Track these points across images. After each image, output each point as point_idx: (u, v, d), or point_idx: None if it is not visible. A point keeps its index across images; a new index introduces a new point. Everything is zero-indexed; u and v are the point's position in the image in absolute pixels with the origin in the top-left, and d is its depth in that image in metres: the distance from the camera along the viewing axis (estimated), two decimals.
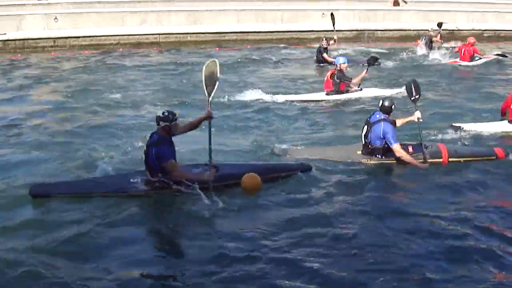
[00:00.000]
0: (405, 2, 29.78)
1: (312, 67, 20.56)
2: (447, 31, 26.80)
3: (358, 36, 27.19)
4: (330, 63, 19.85)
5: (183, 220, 7.70)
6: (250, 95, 15.07)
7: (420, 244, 6.91)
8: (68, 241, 6.90)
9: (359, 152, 9.87)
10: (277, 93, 15.24)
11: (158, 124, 8.12)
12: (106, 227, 7.31)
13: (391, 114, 9.72)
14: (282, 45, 25.62)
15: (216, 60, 8.85)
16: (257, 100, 14.62)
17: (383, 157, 9.62)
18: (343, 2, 29.68)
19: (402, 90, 14.38)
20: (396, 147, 9.34)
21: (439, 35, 23.24)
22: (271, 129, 12.17)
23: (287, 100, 14.71)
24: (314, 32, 26.58)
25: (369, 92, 15.04)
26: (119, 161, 9.77)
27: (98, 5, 25.78)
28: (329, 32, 22.46)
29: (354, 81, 14.90)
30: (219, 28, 26.59)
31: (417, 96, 10.08)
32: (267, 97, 14.76)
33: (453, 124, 11.93)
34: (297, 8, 28.77)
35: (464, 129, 11.66)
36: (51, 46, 23.40)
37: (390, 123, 9.53)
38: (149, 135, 8.34)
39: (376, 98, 11.27)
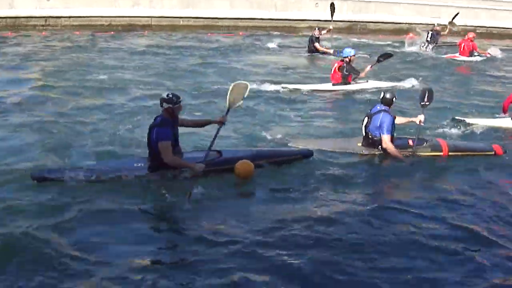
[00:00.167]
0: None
1: (303, 56, 20.65)
2: (441, 25, 26.93)
3: (350, 27, 27.25)
4: (322, 53, 20.07)
5: (172, 209, 7.71)
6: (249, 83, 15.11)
7: (414, 240, 6.96)
8: (68, 227, 6.90)
9: (360, 144, 9.97)
10: (270, 81, 15.27)
11: (162, 106, 8.16)
12: (91, 212, 7.33)
13: (392, 106, 9.82)
14: (275, 33, 25.69)
15: (248, 84, 9.04)
16: (258, 89, 14.54)
17: (381, 148, 9.68)
18: None
19: (405, 84, 15.30)
20: (385, 138, 9.43)
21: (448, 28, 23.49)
22: (273, 119, 12.20)
23: (293, 89, 14.80)
24: (307, 21, 26.66)
25: (374, 84, 15.22)
26: (107, 144, 9.81)
27: None
28: (325, 22, 22.63)
29: (362, 74, 15.08)
30: (212, 13, 26.48)
31: (427, 103, 10.12)
32: (268, 86, 14.79)
33: (456, 117, 12.15)
34: None
35: (466, 123, 11.86)
36: (42, 25, 23.28)
37: (390, 115, 9.62)
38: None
39: (381, 90, 11.29)
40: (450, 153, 9.86)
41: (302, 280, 5.99)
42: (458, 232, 7.19)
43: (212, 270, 6.04)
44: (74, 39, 21.64)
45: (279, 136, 10.47)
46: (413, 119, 10.03)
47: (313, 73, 17.76)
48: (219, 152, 8.69)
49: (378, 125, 9.54)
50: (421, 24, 28.01)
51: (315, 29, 20.62)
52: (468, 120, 12.05)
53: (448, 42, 23.59)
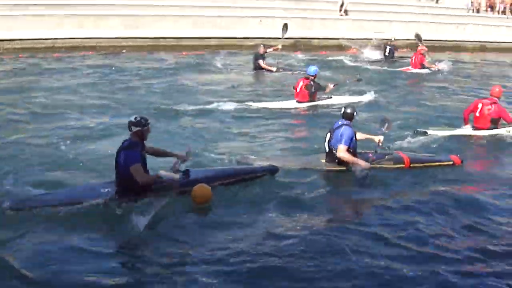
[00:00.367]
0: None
1: (249, 74, 20.84)
2: (384, 40, 27.68)
3: (294, 44, 27.64)
4: (267, 70, 20.31)
5: (152, 228, 7.65)
6: (202, 101, 15.29)
7: (376, 249, 7.24)
8: (38, 256, 6.86)
9: (323, 160, 10.10)
10: (229, 100, 15.45)
11: (130, 130, 8.15)
12: (68, 238, 7.30)
13: (353, 120, 10.03)
14: (219, 51, 25.73)
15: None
16: (217, 108, 14.73)
17: (345, 163, 9.79)
18: (280, 11, 30.25)
19: (365, 98, 15.85)
20: (341, 147, 9.58)
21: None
22: (235, 137, 12.34)
23: (256, 107, 14.97)
24: (251, 39, 26.91)
25: (338, 100, 15.48)
26: (60, 170, 9.76)
27: (33, 8, 25.36)
28: (269, 40, 23.02)
29: (326, 90, 15.39)
30: (156, 33, 26.64)
31: (386, 131, 10.36)
32: (228, 105, 14.90)
33: (418, 130, 12.61)
34: (234, 15, 29.11)
35: (428, 135, 12.35)
36: None
37: (351, 128, 9.81)
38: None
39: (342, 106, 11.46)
40: (411, 165, 10.22)
41: None
42: (423, 240, 7.57)
43: None
44: (17, 62, 21.36)
45: (243, 154, 10.53)
46: (373, 137, 10.27)
47: (260, 90, 18.11)
48: (185, 172, 8.69)
49: (339, 138, 9.71)
50: (364, 39, 28.73)
51: (260, 46, 20.82)
52: (429, 131, 12.54)
53: (403, 56, 24.43)
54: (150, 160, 8.58)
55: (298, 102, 15.29)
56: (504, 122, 12.75)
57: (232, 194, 8.76)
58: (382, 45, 25.30)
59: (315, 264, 6.80)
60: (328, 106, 15.23)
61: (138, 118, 8.21)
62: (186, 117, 13.82)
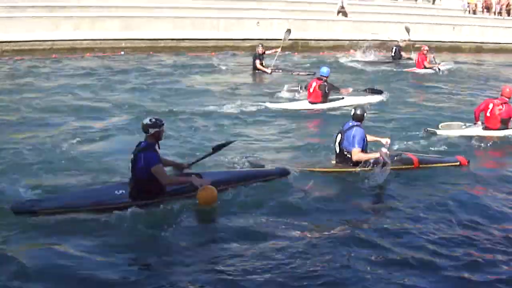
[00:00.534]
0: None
1: (249, 74, 20.98)
2: (380, 41, 27.86)
3: (292, 45, 27.73)
4: (262, 71, 20.46)
5: (166, 231, 7.65)
6: (207, 102, 15.43)
7: (394, 253, 7.25)
8: (55, 258, 6.86)
9: (334, 162, 10.17)
10: (230, 100, 15.60)
11: (147, 132, 8.11)
12: (87, 241, 7.30)
13: (363, 121, 10.07)
14: (218, 52, 26.02)
15: None
16: (220, 108, 14.87)
17: (356, 164, 9.78)
18: (278, 12, 30.44)
19: (376, 98, 15.94)
20: (355, 150, 9.65)
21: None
22: (248, 138, 12.37)
23: (266, 108, 15.03)
24: (249, 40, 27.16)
25: (349, 100, 15.51)
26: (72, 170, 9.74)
27: (31, 10, 25.45)
28: (266, 41, 23.24)
29: (342, 90, 15.59)
30: (154, 34, 26.75)
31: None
32: (236, 106, 15.05)
33: (428, 129, 12.76)
34: (233, 16, 29.27)
35: (437, 134, 12.53)
36: None
37: (362, 129, 9.87)
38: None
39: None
40: (420, 166, 10.31)
41: None
42: (426, 244, 7.59)
43: None
44: (15, 64, 21.39)
45: (255, 155, 10.63)
46: (380, 139, 10.30)
47: (261, 89, 18.30)
48: (198, 174, 8.63)
49: (351, 140, 9.74)
50: (360, 40, 28.91)
51: (258, 46, 20.94)
52: (439, 131, 12.69)
53: (411, 58, 24.70)
54: None
55: (311, 103, 15.38)
56: None
57: (240, 196, 8.75)
58: (392, 47, 25.47)
59: (323, 268, 6.80)
60: (340, 107, 15.32)
61: (154, 120, 8.19)
62: (195, 118, 13.87)
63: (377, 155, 9.57)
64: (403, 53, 24.98)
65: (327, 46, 29.23)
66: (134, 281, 6.51)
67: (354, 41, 29.52)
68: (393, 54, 25.16)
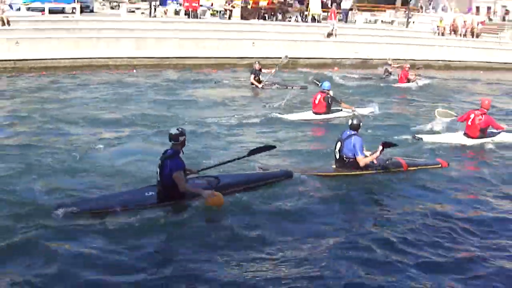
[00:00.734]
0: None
1: (246, 88, 21.08)
2: (361, 59, 28.32)
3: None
4: (255, 86, 20.72)
5: (186, 229, 7.84)
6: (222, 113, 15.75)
7: (391, 251, 7.40)
8: (94, 257, 6.97)
9: (334, 166, 10.39)
10: (234, 111, 15.98)
11: (177, 140, 8.20)
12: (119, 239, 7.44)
13: (359, 130, 10.32)
14: (218, 69, 26.24)
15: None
16: (231, 118, 15.10)
17: (354, 169, 10.09)
18: (272, 34, 30.82)
19: (369, 110, 16.39)
20: (360, 158, 9.95)
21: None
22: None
23: (275, 118, 15.26)
24: (245, 59, 27.45)
25: (346, 112, 15.74)
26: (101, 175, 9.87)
27: (54, 32, 25.89)
28: (262, 59, 23.60)
29: (343, 105, 15.77)
30: (162, 53, 27.07)
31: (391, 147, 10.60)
32: (243, 116, 15.37)
33: (416, 136, 13.21)
34: (231, 37, 29.59)
35: (423, 140, 12.94)
36: (12, 68, 23.30)
37: (360, 137, 10.13)
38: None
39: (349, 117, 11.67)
40: (408, 168, 10.67)
41: None
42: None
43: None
44: (40, 79, 21.59)
45: (264, 161, 10.72)
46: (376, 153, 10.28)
47: (259, 101, 18.64)
48: (216, 177, 9.01)
49: (351, 147, 9.98)
50: (343, 58, 29.43)
51: (255, 63, 21.20)
52: (424, 137, 13.17)
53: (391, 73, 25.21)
54: None
55: (315, 113, 15.64)
56: (491, 131, 13.28)
57: (247, 197, 8.91)
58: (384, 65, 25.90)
59: (324, 269, 6.83)
60: (340, 117, 15.53)
61: (180, 129, 8.31)
62: (201, 127, 13.95)
63: (377, 154, 10.00)
64: (392, 71, 25.17)
65: (314, 64, 29.44)
66: (154, 268, 6.77)
67: (337, 59, 30.10)
68: (384, 73, 25.32)
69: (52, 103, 16.82)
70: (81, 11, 30.32)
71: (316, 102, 15.64)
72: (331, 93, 15.92)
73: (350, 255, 7.21)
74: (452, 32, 36.50)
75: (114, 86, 20.61)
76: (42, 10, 29.08)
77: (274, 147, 10.15)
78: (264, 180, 9.59)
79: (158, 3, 35.05)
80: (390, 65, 25.54)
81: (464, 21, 36.95)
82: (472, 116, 13.19)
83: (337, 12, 34.08)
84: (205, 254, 7.18)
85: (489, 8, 51.99)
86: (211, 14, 33.05)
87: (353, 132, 10.16)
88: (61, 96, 18.33)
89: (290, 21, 34.61)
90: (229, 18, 32.58)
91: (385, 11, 42.48)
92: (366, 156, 10.11)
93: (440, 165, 11.14)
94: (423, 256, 7.35)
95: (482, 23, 38.70)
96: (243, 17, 32.81)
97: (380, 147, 10.01)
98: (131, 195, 8.57)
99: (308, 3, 35.59)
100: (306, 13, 35.26)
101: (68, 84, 20.82)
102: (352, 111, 15.52)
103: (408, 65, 23.72)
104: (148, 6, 32.36)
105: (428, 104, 19.29)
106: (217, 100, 18.50)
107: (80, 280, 6.44)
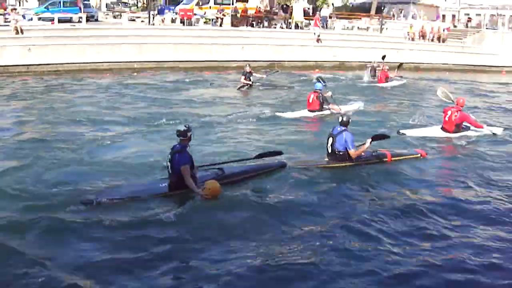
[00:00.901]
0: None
1: (237, 88, 21.02)
2: (340, 62, 28.65)
3: (269, 65, 28.20)
4: (244, 84, 20.77)
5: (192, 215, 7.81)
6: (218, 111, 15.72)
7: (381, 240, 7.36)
8: (118, 242, 6.98)
9: (326, 159, 10.38)
10: (228, 110, 15.92)
11: (185, 136, 8.19)
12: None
13: (349, 126, 10.28)
14: (211, 71, 26.42)
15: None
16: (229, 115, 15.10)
17: (345, 161, 10.14)
18: (259, 40, 31.24)
19: (355, 107, 16.55)
20: (352, 152, 10.04)
21: (382, 65, 24.43)
22: (255, 140, 12.48)
23: (274, 116, 15.29)
24: (235, 62, 27.80)
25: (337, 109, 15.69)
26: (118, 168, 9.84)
27: (62, 39, 26.14)
28: (251, 61, 23.76)
29: (331, 106, 15.68)
30: (160, 57, 27.34)
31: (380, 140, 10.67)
32: (239, 113, 15.39)
33: (399, 131, 13.38)
34: (222, 43, 29.88)
35: (406, 134, 13.15)
36: (25, 72, 23.49)
37: (350, 133, 10.16)
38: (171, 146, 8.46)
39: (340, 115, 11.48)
40: (392, 159, 10.81)
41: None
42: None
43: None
44: (50, 81, 21.66)
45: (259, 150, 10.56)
46: (365, 145, 10.38)
47: (251, 100, 18.73)
48: (221, 169, 9.12)
49: (343, 142, 10.02)
50: (324, 61, 29.76)
51: (245, 66, 21.20)
52: (407, 132, 13.34)
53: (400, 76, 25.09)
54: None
55: (310, 111, 15.70)
56: (465, 126, 13.42)
57: (243, 190, 8.90)
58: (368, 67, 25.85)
59: (318, 262, 6.68)
60: (331, 114, 15.46)
61: (188, 125, 8.39)
62: (198, 124, 13.76)
63: (366, 145, 10.18)
64: (377, 73, 24.87)
65: (297, 66, 29.75)
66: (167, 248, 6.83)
67: (318, 62, 30.49)
68: (370, 73, 25.23)
69: (61, 103, 16.94)
70: (87, 20, 30.79)
71: (310, 101, 15.72)
72: (330, 93, 16.22)
73: (341, 243, 7.21)
74: (421, 37, 37.00)
75: (117, 87, 20.67)
76: (52, 20, 29.45)
77: (281, 153, 10.03)
78: (261, 170, 9.73)
79: (156, 12, 35.97)
80: (375, 67, 25.48)
81: (432, 28, 37.55)
82: (449, 112, 13.31)
83: None
84: (199, 243, 7.10)
85: (454, 16, 52.60)
86: (204, 22, 33.35)
87: (343, 128, 10.20)
88: (69, 97, 18.47)
89: (275, 27, 35.16)
90: (221, 25, 33.03)
91: (360, 18, 43.02)
92: (357, 149, 10.24)
93: (419, 155, 11.29)
94: (397, 231, 7.59)
95: (448, 29, 39.16)
96: (233, 24, 33.33)
97: (369, 140, 10.21)
98: (146, 186, 8.72)
99: (291, 12, 36.44)
100: (290, 20, 35.85)
101: (75, 86, 20.87)
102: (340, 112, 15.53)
103: (387, 67, 23.89)
104: (147, 15, 32.88)
105: (406, 102, 19.56)
106: (212, 99, 18.56)
107: (88, 266, 6.46)
